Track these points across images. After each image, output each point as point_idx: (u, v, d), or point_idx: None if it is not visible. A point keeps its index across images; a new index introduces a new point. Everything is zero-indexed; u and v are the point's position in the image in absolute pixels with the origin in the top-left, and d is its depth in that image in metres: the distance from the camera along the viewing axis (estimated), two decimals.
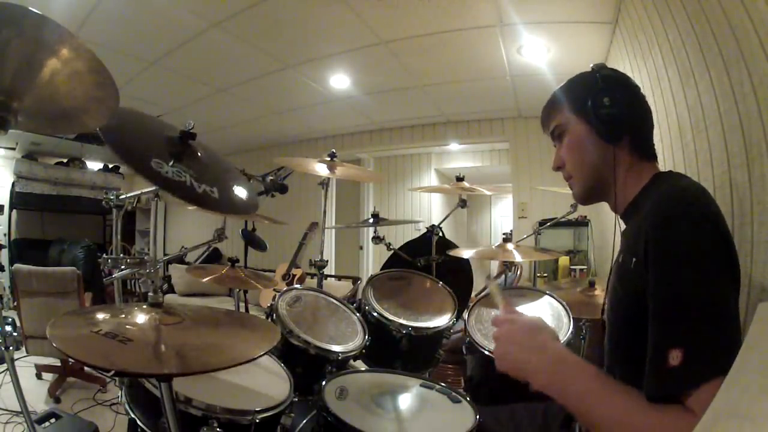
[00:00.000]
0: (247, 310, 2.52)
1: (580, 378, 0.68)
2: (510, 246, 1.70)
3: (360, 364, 1.52)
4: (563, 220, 2.42)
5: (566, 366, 0.71)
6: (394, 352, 1.52)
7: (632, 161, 0.83)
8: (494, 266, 4.38)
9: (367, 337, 1.49)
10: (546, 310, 1.53)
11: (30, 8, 0.70)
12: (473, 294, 2.24)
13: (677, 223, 0.65)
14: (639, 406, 0.62)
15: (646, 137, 0.85)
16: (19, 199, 5.14)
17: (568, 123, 0.87)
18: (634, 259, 0.70)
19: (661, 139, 1.61)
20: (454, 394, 1.14)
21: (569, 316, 1.47)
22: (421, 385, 1.19)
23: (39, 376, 2.88)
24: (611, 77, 0.84)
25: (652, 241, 0.66)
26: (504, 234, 1.78)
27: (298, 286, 1.98)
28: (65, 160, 5.77)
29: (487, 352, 1.37)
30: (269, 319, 1.40)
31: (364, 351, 1.46)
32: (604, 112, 0.81)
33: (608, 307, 0.83)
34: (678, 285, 0.63)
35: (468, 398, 1.11)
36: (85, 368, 2.83)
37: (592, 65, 0.86)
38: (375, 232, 1.98)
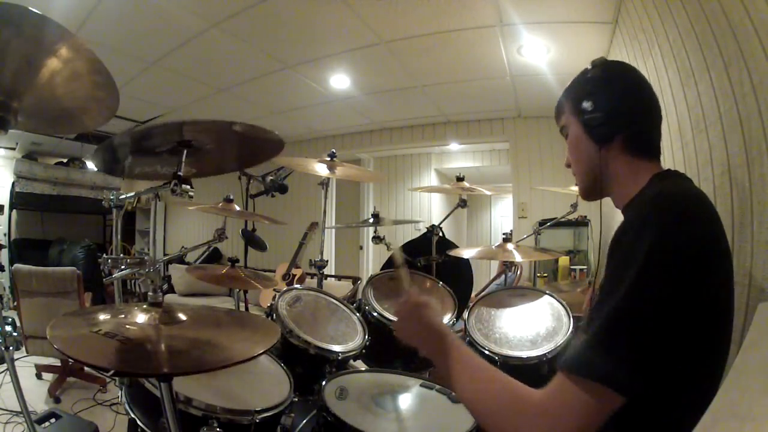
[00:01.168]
0: (247, 310, 2.51)
1: (455, 355, 0.76)
2: (510, 246, 1.70)
3: (360, 364, 1.52)
4: (563, 220, 2.42)
5: (445, 343, 0.79)
6: (394, 352, 1.52)
7: (628, 159, 0.82)
8: (494, 266, 4.38)
9: (367, 337, 1.49)
10: (546, 310, 1.53)
11: (30, 8, 0.70)
12: (473, 294, 2.24)
13: (642, 225, 0.65)
14: (512, 398, 0.66)
15: (643, 134, 0.83)
16: (19, 199, 5.14)
17: (568, 124, 0.88)
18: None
19: (661, 139, 1.61)
20: (454, 394, 1.14)
21: (569, 316, 1.47)
22: (421, 385, 1.19)
23: (39, 376, 2.88)
24: (599, 78, 0.84)
25: (615, 237, 0.69)
26: (504, 234, 1.78)
27: (298, 286, 1.98)
28: (65, 160, 5.77)
29: (487, 352, 1.36)
30: (269, 319, 1.40)
31: (364, 351, 1.46)
32: (588, 116, 0.83)
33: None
34: (616, 283, 0.63)
35: None
36: (85, 368, 2.83)
37: (592, 61, 0.86)
38: (375, 232, 1.98)
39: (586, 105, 0.82)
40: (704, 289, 0.62)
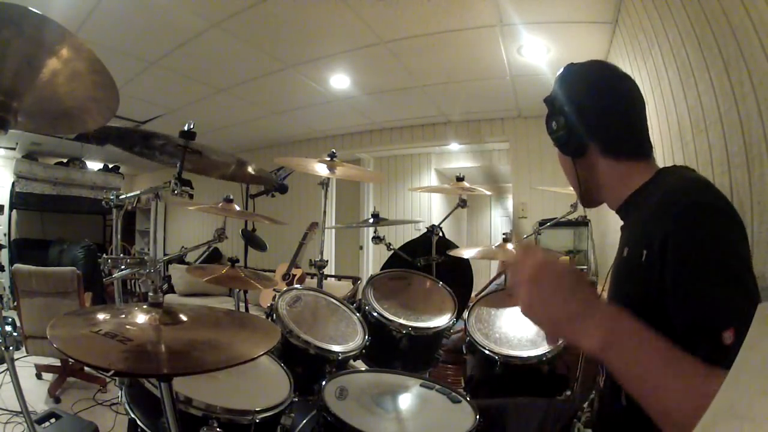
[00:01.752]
0: (247, 310, 2.52)
1: (644, 346, 0.56)
2: (510, 246, 1.70)
3: (360, 364, 1.52)
4: (563, 220, 2.42)
5: (623, 328, 0.57)
6: (394, 352, 1.52)
7: (610, 163, 0.81)
8: (494, 266, 4.38)
9: (367, 337, 1.49)
10: None
11: (30, 8, 0.70)
12: (473, 294, 2.24)
13: (701, 212, 0.64)
14: (706, 372, 0.53)
15: (618, 136, 0.81)
16: (19, 199, 5.14)
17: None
18: (645, 252, 0.67)
19: (661, 138, 1.61)
20: (454, 394, 1.14)
21: None
22: (421, 385, 1.19)
23: (39, 376, 2.88)
24: (557, 94, 0.84)
25: (674, 234, 0.63)
26: (504, 234, 1.78)
27: (298, 286, 1.98)
28: (65, 160, 5.77)
29: (487, 352, 1.37)
30: (269, 319, 1.40)
31: (364, 351, 1.46)
32: (554, 136, 0.84)
33: (612, 301, 0.82)
34: (720, 268, 0.60)
35: (468, 398, 1.11)
36: (85, 368, 2.83)
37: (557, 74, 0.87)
38: (375, 232, 1.98)
39: (551, 125, 0.84)
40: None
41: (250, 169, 1.52)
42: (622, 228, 0.84)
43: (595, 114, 0.81)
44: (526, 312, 0.62)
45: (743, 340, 0.54)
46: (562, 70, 0.86)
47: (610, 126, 0.81)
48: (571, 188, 0.93)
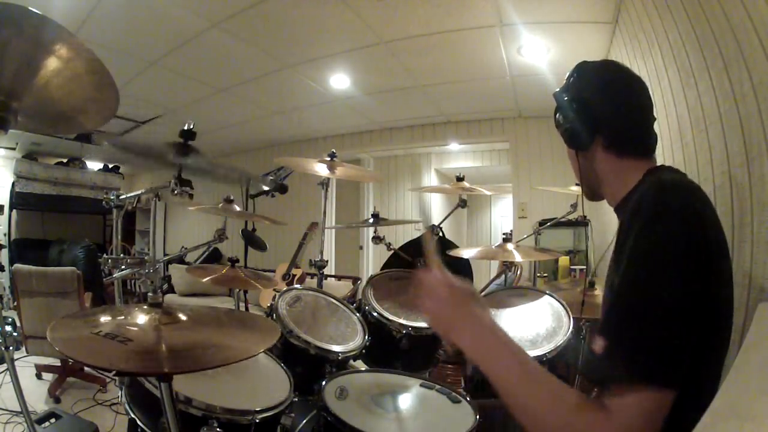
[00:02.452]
0: (247, 310, 2.51)
1: (507, 354, 0.67)
2: (510, 246, 1.70)
3: (360, 364, 1.52)
4: (563, 220, 2.41)
5: (496, 337, 0.69)
6: (394, 352, 1.52)
7: (612, 159, 0.82)
8: (494, 266, 4.38)
9: (367, 337, 1.49)
10: (546, 310, 1.53)
11: (30, 8, 0.70)
12: None
13: (653, 221, 0.64)
14: (563, 402, 0.60)
15: (624, 134, 0.82)
16: (19, 199, 5.14)
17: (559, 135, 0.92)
18: (616, 254, 0.71)
19: (661, 138, 1.61)
20: (454, 394, 1.14)
21: (569, 316, 1.47)
22: (421, 385, 1.19)
23: (39, 376, 2.88)
24: (569, 87, 0.85)
25: (628, 234, 0.66)
26: (504, 234, 1.78)
27: (298, 286, 1.98)
28: (65, 160, 5.78)
29: None
30: (269, 319, 1.40)
31: (364, 351, 1.46)
32: (561, 129, 0.86)
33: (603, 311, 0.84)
34: (635, 281, 0.62)
35: (468, 398, 1.11)
36: (85, 368, 2.83)
37: (577, 65, 0.87)
38: (375, 232, 1.98)
39: (558, 117, 0.86)
40: (712, 281, 0.62)
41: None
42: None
43: (603, 107, 0.82)
44: (427, 321, 0.75)
45: (630, 362, 0.57)
46: (574, 68, 0.87)
47: (616, 121, 0.82)
48: (571, 188, 0.94)
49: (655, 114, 0.86)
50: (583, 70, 0.87)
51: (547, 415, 0.60)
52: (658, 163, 0.82)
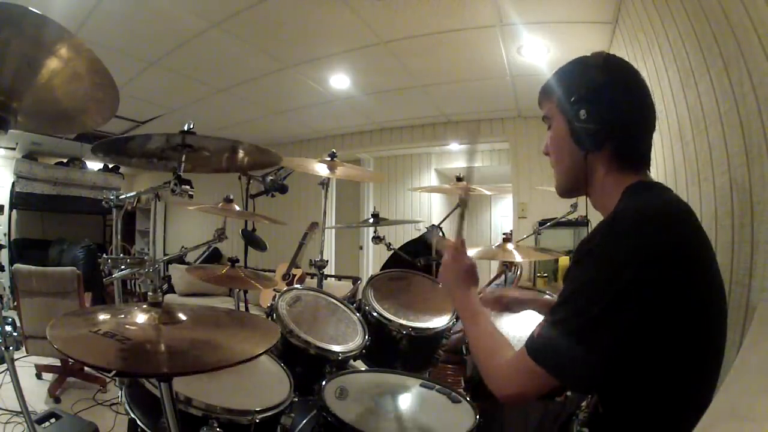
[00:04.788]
0: (247, 310, 2.51)
1: (475, 314, 0.91)
2: (510, 246, 1.70)
3: (360, 364, 1.52)
4: (563, 220, 2.42)
5: (468, 306, 0.93)
6: (394, 352, 1.52)
7: (611, 170, 0.79)
8: (494, 266, 4.38)
9: (367, 337, 1.49)
10: (546, 310, 1.52)
11: (30, 8, 0.70)
12: None
13: (609, 231, 0.72)
14: (500, 350, 0.81)
15: (633, 145, 0.79)
16: (19, 199, 5.13)
17: (554, 116, 0.84)
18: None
19: (661, 139, 1.61)
20: (454, 394, 1.14)
21: None
22: (421, 385, 1.19)
23: (39, 376, 2.87)
24: (599, 83, 0.76)
25: (583, 243, 0.75)
26: (504, 234, 1.78)
27: (298, 286, 1.98)
28: (65, 160, 5.77)
29: None
30: (269, 319, 1.40)
31: (364, 351, 1.46)
32: (578, 125, 0.77)
33: None
34: (574, 276, 0.73)
35: (468, 398, 1.11)
36: (85, 368, 2.83)
37: (592, 54, 0.80)
38: (375, 232, 1.98)
39: (580, 112, 0.76)
40: (674, 296, 0.65)
41: (241, 154, 1.45)
42: None
43: (626, 117, 0.77)
44: (441, 283, 1.01)
45: (540, 344, 0.71)
46: (604, 62, 0.78)
47: (634, 132, 0.79)
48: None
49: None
50: (610, 67, 0.79)
51: (487, 359, 0.82)
52: (656, 166, 0.82)
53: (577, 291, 0.70)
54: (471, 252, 1.88)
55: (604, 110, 0.76)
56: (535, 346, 0.72)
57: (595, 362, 0.66)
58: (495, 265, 4.09)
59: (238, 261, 1.83)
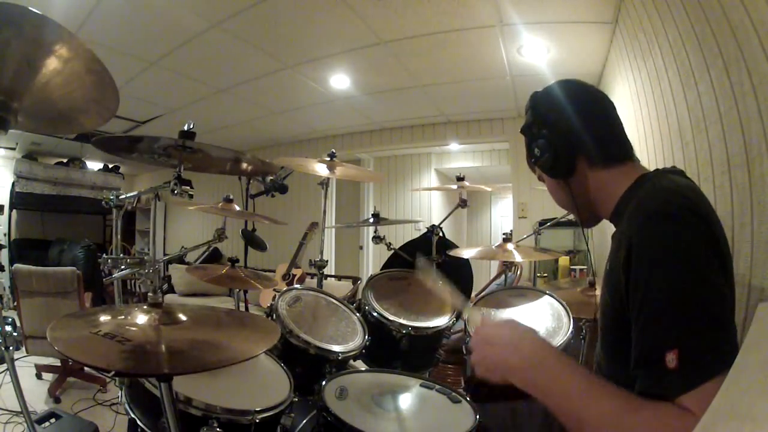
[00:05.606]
0: (247, 310, 2.51)
1: (564, 376, 0.66)
2: (510, 246, 1.70)
3: (360, 364, 1.52)
4: (563, 220, 2.42)
5: (547, 363, 0.68)
6: (394, 352, 1.52)
7: (600, 176, 0.81)
8: (494, 266, 4.38)
9: (367, 337, 1.49)
10: (546, 310, 1.53)
11: (30, 8, 0.70)
12: (473, 294, 2.24)
13: (657, 222, 0.64)
14: (630, 406, 0.59)
15: (602, 144, 0.81)
16: (19, 199, 5.14)
17: (539, 174, 0.91)
18: (616, 263, 0.70)
19: (661, 138, 1.61)
20: (454, 394, 1.14)
21: (569, 316, 1.47)
22: (421, 385, 1.19)
23: (39, 376, 2.88)
24: (530, 120, 0.85)
25: (635, 243, 0.65)
26: (504, 234, 1.77)
27: (298, 286, 1.98)
28: (65, 160, 5.78)
29: None
30: (269, 319, 1.40)
31: (364, 351, 1.46)
32: (540, 163, 0.83)
33: (599, 312, 0.84)
34: (666, 284, 0.61)
35: (468, 398, 1.11)
36: (85, 368, 2.83)
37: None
38: (375, 232, 1.98)
39: (533, 153, 0.84)
40: (725, 276, 0.63)
41: (245, 165, 1.51)
42: (612, 236, 0.83)
43: (575, 127, 0.81)
44: (478, 371, 0.74)
45: (702, 362, 0.56)
46: (528, 101, 0.88)
47: (593, 135, 0.81)
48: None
49: (644, 114, 0.86)
50: (538, 99, 0.86)
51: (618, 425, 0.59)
52: (656, 166, 0.83)
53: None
54: (471, 252, 1.88)
55: (549, 137, 0.82)
56: (697, 366, 0.57)
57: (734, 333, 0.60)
58: (495, 265, 4.09)
59: (238, 261, 1.83)
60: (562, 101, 0.83)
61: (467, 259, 2.12)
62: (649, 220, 0.65)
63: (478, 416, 1.02)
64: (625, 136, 0.83)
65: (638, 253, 0.64)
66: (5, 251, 4.94)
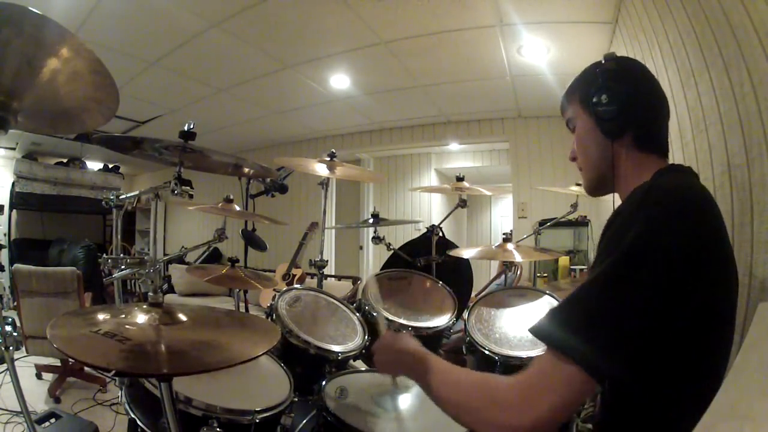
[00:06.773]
0: (247, 310, 2.51)
1: (430, 368, 0.81)
2: (510, 246, 1.70)
3: (360, 364, 1.52)
4: (563, 220, 2.41)
5: (418, 360, 0.86)
6: None
7: (634, 155, 0.82)
8: (494, 266, 4.38)
9: (367, 337, 1.49)
10: (546, 310, 1.52)
11: (30, 8, 0.70)
12: (473, 294, 2.24)
13: (631, 217, 0.66)
14: (485, 377, 0.72)
15: (652, 131, 0.83)
16: (19, 199, 5.14)
17: (577, 116, 0.88)
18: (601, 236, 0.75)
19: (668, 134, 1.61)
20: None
21: None
22: None
23: (39, 376, 2.88)
24: (613, 71, 0.83)
25: (606, 224, 0.71)
26: (504, 234, 1.77)
27: (298, 286, 1.98)
28: (65, 160, 5.78)
29: (487, 352, 1.36)
30: (269, 319, 1.40)
31: (364, 351, 1.46)
32: (602, 109, 0.82)
33: None
34: (599, 268, 0.64)
35: None
36: (85, 368, 2.83)
37: (604, 55, 0.86)
38: (375, 232, 1.98)
39: (601, 98, 0.81)
40: (691, 288, 0.61)
41: (246, 170, 1.53)
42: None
43: (645, 102, 0.82)
44: (380, 370, 1.00)
45: (558, 331, 0.61)
46: (613, 57, 0.85)
47: (652, 117, 0.83)
48: (572, 188, 0.93)
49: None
50: (622, 60, 0.86)
51: (474, 409, 0.69)
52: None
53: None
54: (471, 252, 1.89)
55: (623, 93, 0.80)
56: (561, 338, 0.62)
57: (621, 352, 0.61)
58: (495, 265, 4.09)
59: (238, 261, 1.83)
60: (644, 74, 0.85)
61: (467, 259, 2.12)
62: (627, 212, 0.68)
63: None
64: (667, 136, 0.86)
65: (604, 232, 0.72)
66: (5, 251, 4.94)
